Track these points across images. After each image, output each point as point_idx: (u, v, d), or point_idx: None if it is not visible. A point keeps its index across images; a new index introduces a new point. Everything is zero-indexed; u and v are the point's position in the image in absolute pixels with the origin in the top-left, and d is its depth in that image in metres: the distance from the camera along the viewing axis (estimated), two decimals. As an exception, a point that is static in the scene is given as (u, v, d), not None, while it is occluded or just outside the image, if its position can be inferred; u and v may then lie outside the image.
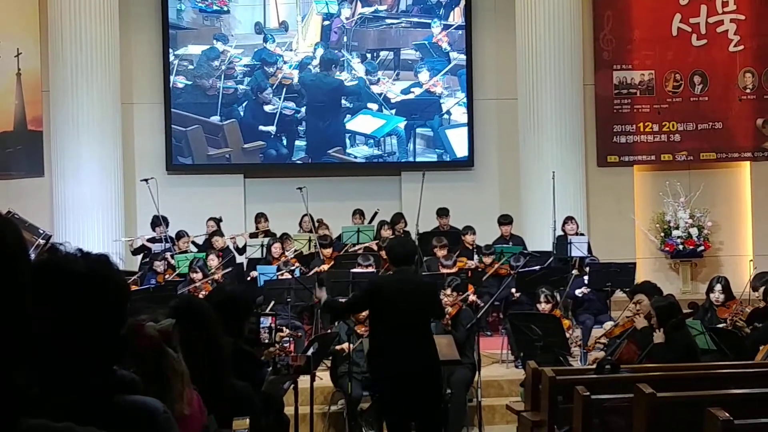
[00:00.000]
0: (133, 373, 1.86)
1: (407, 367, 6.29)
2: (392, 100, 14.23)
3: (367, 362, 6.96)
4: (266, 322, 5.32)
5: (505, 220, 12.50)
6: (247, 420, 3.74)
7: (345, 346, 8.23)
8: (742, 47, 13.99)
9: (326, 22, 14.20)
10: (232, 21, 14.11)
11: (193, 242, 12.19)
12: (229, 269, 11.23)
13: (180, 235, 12.12)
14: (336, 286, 10.23)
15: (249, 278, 11.27)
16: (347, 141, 14.22)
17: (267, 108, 14.09)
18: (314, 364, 6.75)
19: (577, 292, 10.70)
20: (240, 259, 12.19)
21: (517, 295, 10.64)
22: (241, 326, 4.81)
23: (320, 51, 14.13)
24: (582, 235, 12.20)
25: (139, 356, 2.36)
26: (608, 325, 9.18)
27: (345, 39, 14.20)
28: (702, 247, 13.61)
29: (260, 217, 12.73)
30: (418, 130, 14.29)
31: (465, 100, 14.25)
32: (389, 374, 6.38)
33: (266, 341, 5.27)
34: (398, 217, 12.74)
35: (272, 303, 9.69)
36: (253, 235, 12.43)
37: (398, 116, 14.24)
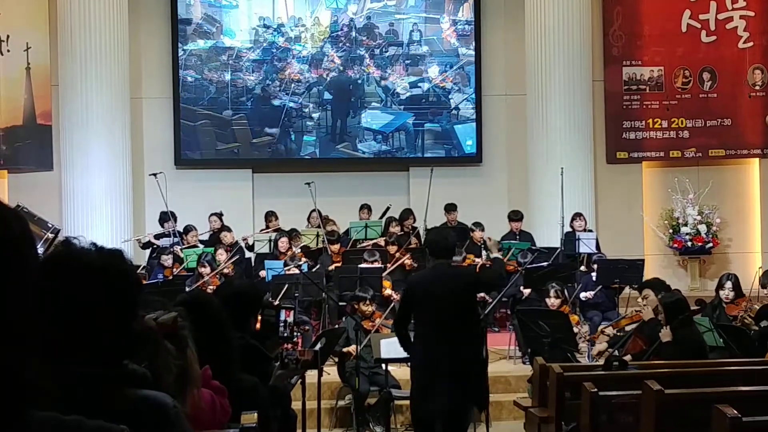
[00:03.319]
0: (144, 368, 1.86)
1: (439, 363, 6.27)
2: (401, 96, 14.22)
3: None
4: (283, 315, 5.31)
5: (515, 216, 12.49)
6: (255, 414, 3.74)
7: (352, 348, 8.25)
8: (751, 44, 13.95)
9: (335, 17, 14.20)
10: (241, 15, 14.11)
11: (201, 241, 12.20)
12: (239, 264, 11.25)
13: (188, 229, 12.15)
14: (344, 282, 10.25)
15: (258, 277, 11.24)
16: (356, 136, 14.22)
17: (275, 103, 14.10)
18: (322, 359, 6.75)
19: (582, 296, 10.62)
20: (248, 254, 12.21)
21: (526, 292, 10.60)
22: (248, 321, 4.82)
23: (330, 48, 14.12)
24: (590, 231, 12.18)
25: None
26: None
27: (354, 34, 14.20)
28: (710, 244, 13.58)
29: (271, 215, 12.70)
30: (427, 126, 14.28)
31: (473, 95, 14.23)
32: (421, 368, 6.39)
33: (285, 335, 5.26)
34: (407, 213, 12.73)
35: (268, 295, 9.66)
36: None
37: (407, 112, 14.24)
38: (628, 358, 6.96)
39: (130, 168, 12.96)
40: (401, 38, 14.27)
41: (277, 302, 8.02)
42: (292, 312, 5.56)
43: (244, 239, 12.31)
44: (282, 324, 5.20)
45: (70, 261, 1.77)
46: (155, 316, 2.55)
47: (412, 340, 6.55)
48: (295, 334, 7.26)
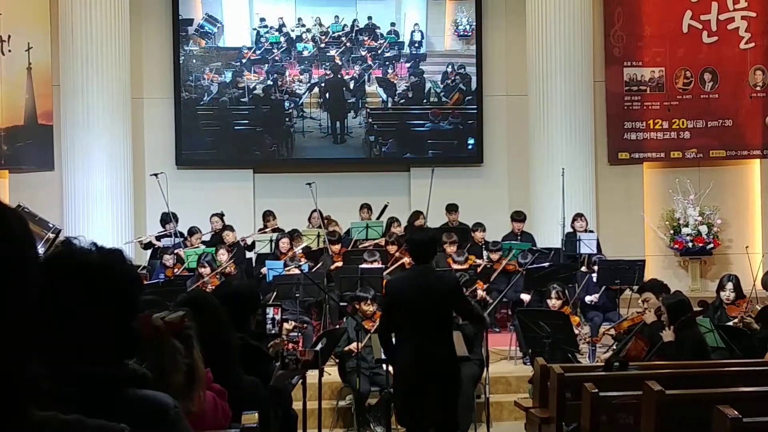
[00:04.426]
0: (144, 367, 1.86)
1: (424, 365, 6.24)
2: (402, 96, 14.22)
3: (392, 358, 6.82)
4: (271, 312, 5.32)
5: (518, 216, 12.47)
6: (256, 414, 3.73)
7: (353, 346, 8.24)
8: (753, 44, 13.95)
9: (336, 18, 14.20)
10: (242, 16, 14.11)
11: (203, 242, 12.19)
12: (240, 263, 11.23)
13: (192, 231, 12.13)
14: (346, 282, 10.25)
15: (259, 275, 11.24)
16: (357, 136, 14.21)
17: (276, 103, 14.10)
18: (322, 359, 6.75)
19: (587, 299, 10.61)
20: (249, 254, 12.20)
21: (526, 298, 10.57)
22: (247, 321, 4.81)
23: (331, 49, 14.14)
24: (591, 232, 12.17)
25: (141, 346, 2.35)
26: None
27: (355, 34, 14.20)
28: (711, 245, 13.57)
29: (269, 215, 12.69)
30: (428, 126, 14.27)
31: (475, 96, 14.23)
32: (407, 371, 6.35)
33: (272, 332, 5.26)
34: (417, 214, 12.62)
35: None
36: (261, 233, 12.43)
37: (408, 112, 14.23)
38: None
39: (131, 168, 12.96)
40: (402, 38, 14.27)
41: (271, 302, 8.02)
42: (279, 309, 5.56)
43: (243, 240, 12.30)
44: (270, 321, 5.20)
45: (70, 261, 1.77)
46: (163, 315, 2.55)
47: (395, 345, 6.52)
48: (297, 333, 7.24)
